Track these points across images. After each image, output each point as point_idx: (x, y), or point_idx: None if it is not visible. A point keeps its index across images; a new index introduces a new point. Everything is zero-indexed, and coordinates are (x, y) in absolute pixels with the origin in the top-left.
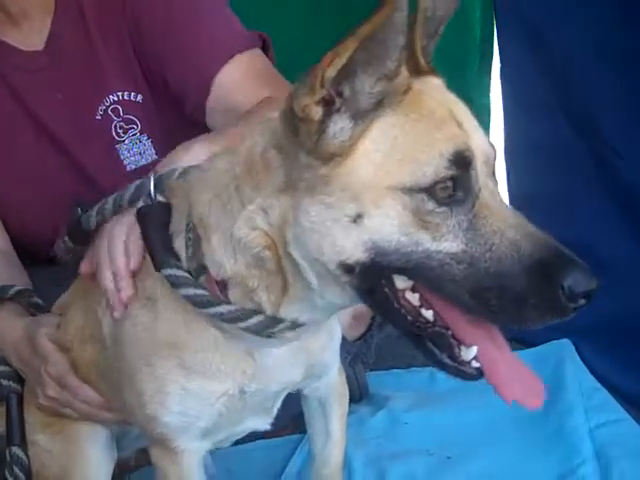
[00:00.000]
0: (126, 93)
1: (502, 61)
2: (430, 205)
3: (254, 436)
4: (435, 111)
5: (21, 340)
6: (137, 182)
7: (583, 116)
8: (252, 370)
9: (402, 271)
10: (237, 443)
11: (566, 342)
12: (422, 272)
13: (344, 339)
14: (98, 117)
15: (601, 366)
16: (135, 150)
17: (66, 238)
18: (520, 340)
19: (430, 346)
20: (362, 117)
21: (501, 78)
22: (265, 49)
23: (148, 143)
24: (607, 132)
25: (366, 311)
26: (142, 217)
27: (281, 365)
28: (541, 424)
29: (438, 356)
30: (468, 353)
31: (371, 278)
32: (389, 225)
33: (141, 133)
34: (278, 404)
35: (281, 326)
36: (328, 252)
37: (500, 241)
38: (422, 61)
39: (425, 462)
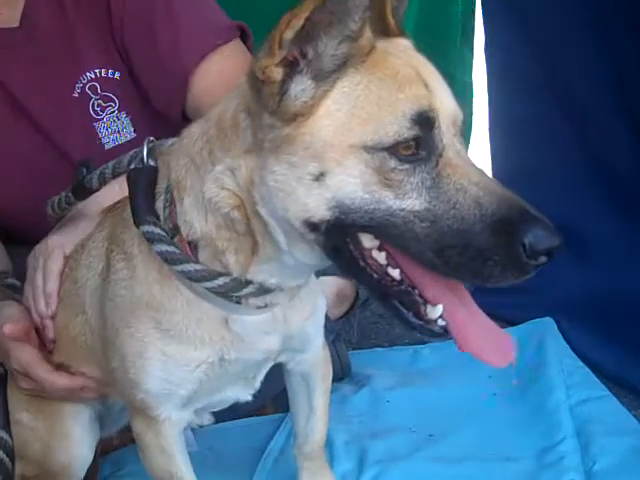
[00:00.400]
0: (103, 70)
1: (486, 37)
2: (392, 163)
3: (235, 415)
4: (400, 71)
5: None
6: (135, 149)
7: (569, 94)
8: (230, 337)
9: (367, 229)
10: (218, 421)
11: (548, 320)
12: (386, 230)
13: (327, 318)
14: (75, 95)
15: (583, 344)
16: (114, 128)
17: (70, 193)
18: (502, 318)
19: (397, 304)
20: (325, 78)
21: (485, 54)
22: (244, 39)
23: (127, 120)
24: (593, 111)
25: (349, 289)
26: (130, 178)
27: (256, 333)
28: (522, 401)
29: (405, 314)
30: (434, 312)
31: (337, 236)
32: (351, 183)
33: (119, 111)
34: (261, 376)
35: (247, 290)
36: (293, 210)
37: (463, 199)
38: (392, 22)
39: (407, 440)
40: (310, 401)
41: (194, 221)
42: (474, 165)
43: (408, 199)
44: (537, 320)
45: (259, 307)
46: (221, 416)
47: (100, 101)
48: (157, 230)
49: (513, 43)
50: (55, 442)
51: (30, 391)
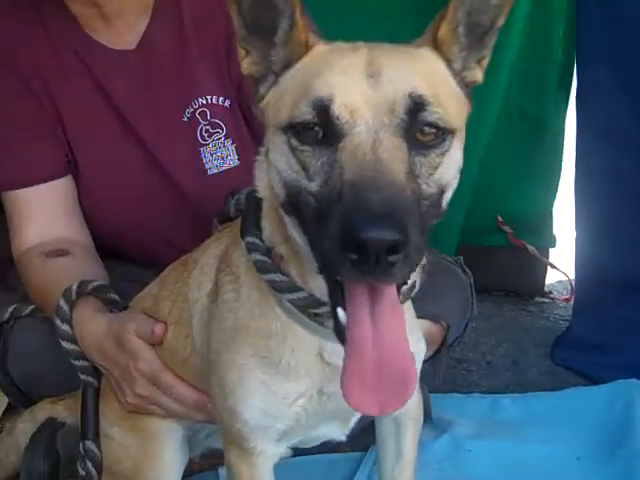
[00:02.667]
0: (215, 97)
1: (580, 86)
2: (294, 143)
3: (310, 451)
4: (329, 61)
5: (105, 336)
6: None
7: None
8: (326, 369)
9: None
10: (295, 455)
11: (635, 382)
12: (306, 211)
13: None
14: (185, 119)
15: None
16: (218, 154)
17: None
18: (585, 376)
19: (339, 294)
20: (278, 74)
21: (577, 103)
22: None
23: (232, 148)
24: None
25: (437, 333)
26: (247, 197)
27: None
28: (608, 467)
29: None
30: (343, 316)
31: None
32: (280, 161)
33: (226, 138)
34: (356, 417)
35: (324, 309)
36: (274, 193)
37: (345, 191)
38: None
39: None
40: (399, 444)
41: (268, 228)
42: (376, 158)
43: (312, 181)
44: (622, 381)
45: None
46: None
47: (208, 127)
48: (257, 241)
49: (607, 92)
50: (146, 461)
51: (140, 400)
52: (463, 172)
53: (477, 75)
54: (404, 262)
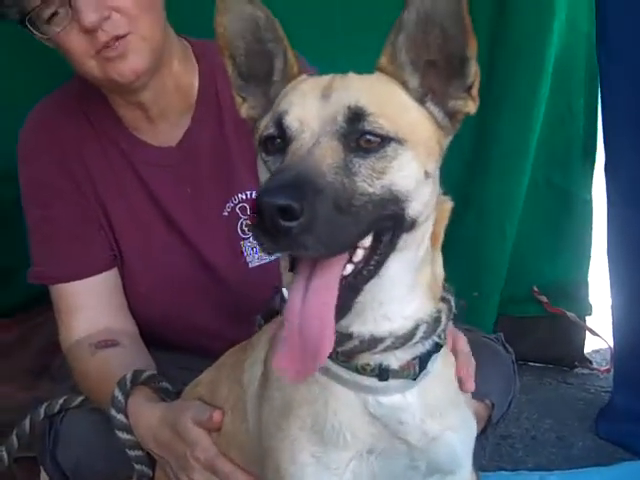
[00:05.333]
0: (254, 192)
1: (607, 153)
2: (264, 156)
3: None
4: (293, 88)
5: (161, 425)
6: None
7: None
8: (373, 427)
9: None
10: None
11: None
12: None
13: None
14: (225, 214)
15: None
16: (259, 248)
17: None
18: (631, 449)
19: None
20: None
21: (606, 170)
22: None
23: None
24: None
25: (483, 410)
26: None
27: (394, 415)
28: None
29: None
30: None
31: None
32: (262, 179)
33: None
34: None
35: (350, 344)
36: None
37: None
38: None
39: None
40: None
41: None
42: (310, 152)
43: None
44: None
45: (381, 379)
46: None
47: (248, 221)
48: None
49: (635, 161)
50: None
51: None
52: (498, 245)
53: (468, 106)
54: (308, 233)
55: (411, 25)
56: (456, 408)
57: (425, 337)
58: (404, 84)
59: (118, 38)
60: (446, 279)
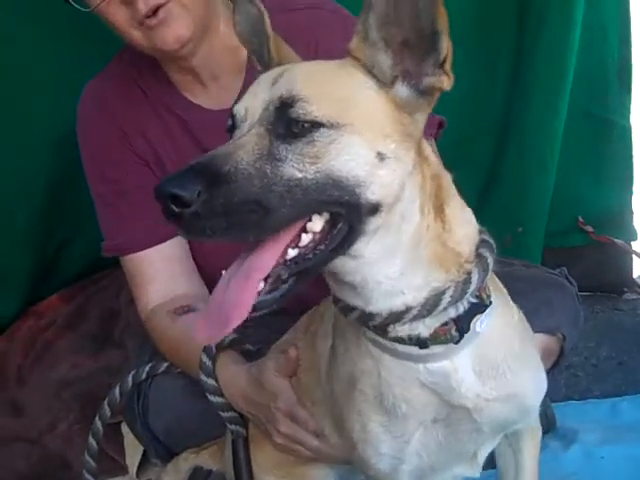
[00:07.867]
0: None
1: None
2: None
3: None
4: (257, 80)
5: (247, 383)
6: None
7: None
8: (430, 396)
9: None
10: None
11: None
12: None
13: None
14: None
15: None
16: None
17: None
18: None
19: None
20: None
21: None
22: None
23: None
24: None
25: (554, 344)
26: None
27: (446, 379)
28: None
29: None
30: None
31: None
32: None
33: None
34: (483, 451)
35: (378, 319)
36: None
37: None
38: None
39: None
40: (518, 460)
41: None
42: (234, 141)
43: None
44: None
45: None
46: None
47: None
48: None
49: None
50: None
51: (285, 440)
52: (540, 179)
53: (442, 82)
54: (206, 219)
55: (381, 2)
56: (523, 363)
57: (453, 301)
58: (371, 67)
59: (158, 7)
60: (481, 230)
